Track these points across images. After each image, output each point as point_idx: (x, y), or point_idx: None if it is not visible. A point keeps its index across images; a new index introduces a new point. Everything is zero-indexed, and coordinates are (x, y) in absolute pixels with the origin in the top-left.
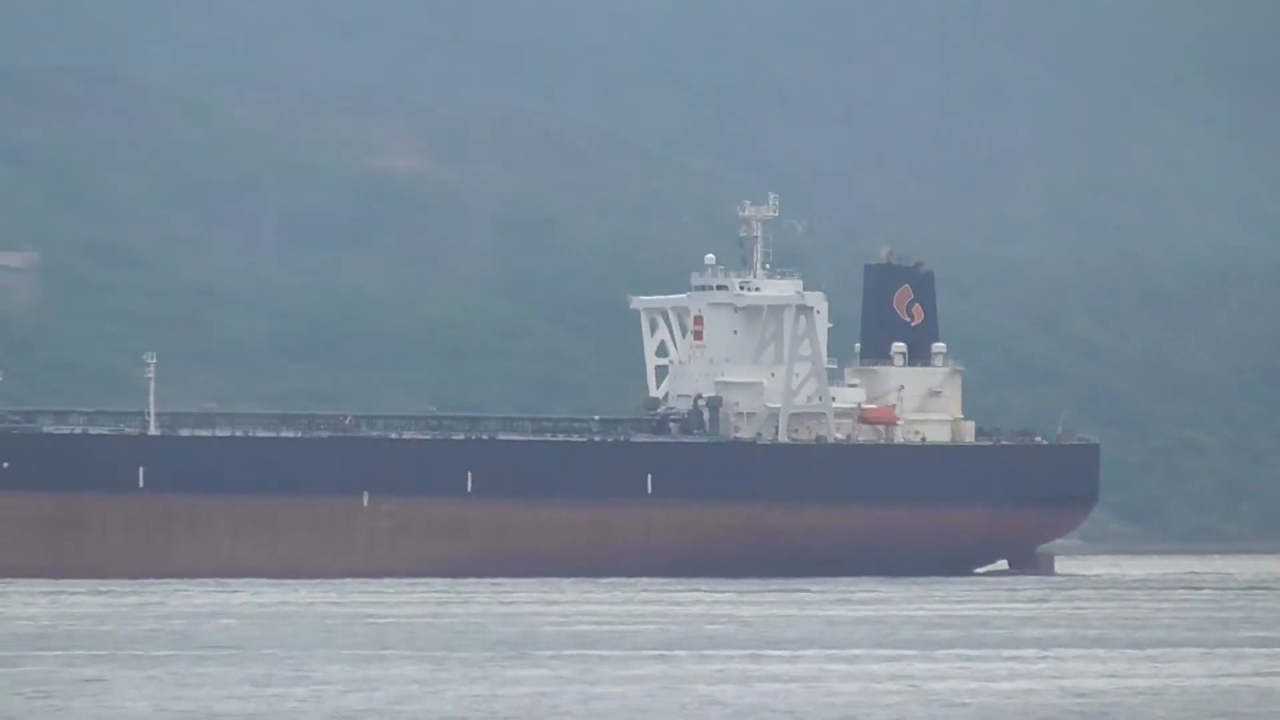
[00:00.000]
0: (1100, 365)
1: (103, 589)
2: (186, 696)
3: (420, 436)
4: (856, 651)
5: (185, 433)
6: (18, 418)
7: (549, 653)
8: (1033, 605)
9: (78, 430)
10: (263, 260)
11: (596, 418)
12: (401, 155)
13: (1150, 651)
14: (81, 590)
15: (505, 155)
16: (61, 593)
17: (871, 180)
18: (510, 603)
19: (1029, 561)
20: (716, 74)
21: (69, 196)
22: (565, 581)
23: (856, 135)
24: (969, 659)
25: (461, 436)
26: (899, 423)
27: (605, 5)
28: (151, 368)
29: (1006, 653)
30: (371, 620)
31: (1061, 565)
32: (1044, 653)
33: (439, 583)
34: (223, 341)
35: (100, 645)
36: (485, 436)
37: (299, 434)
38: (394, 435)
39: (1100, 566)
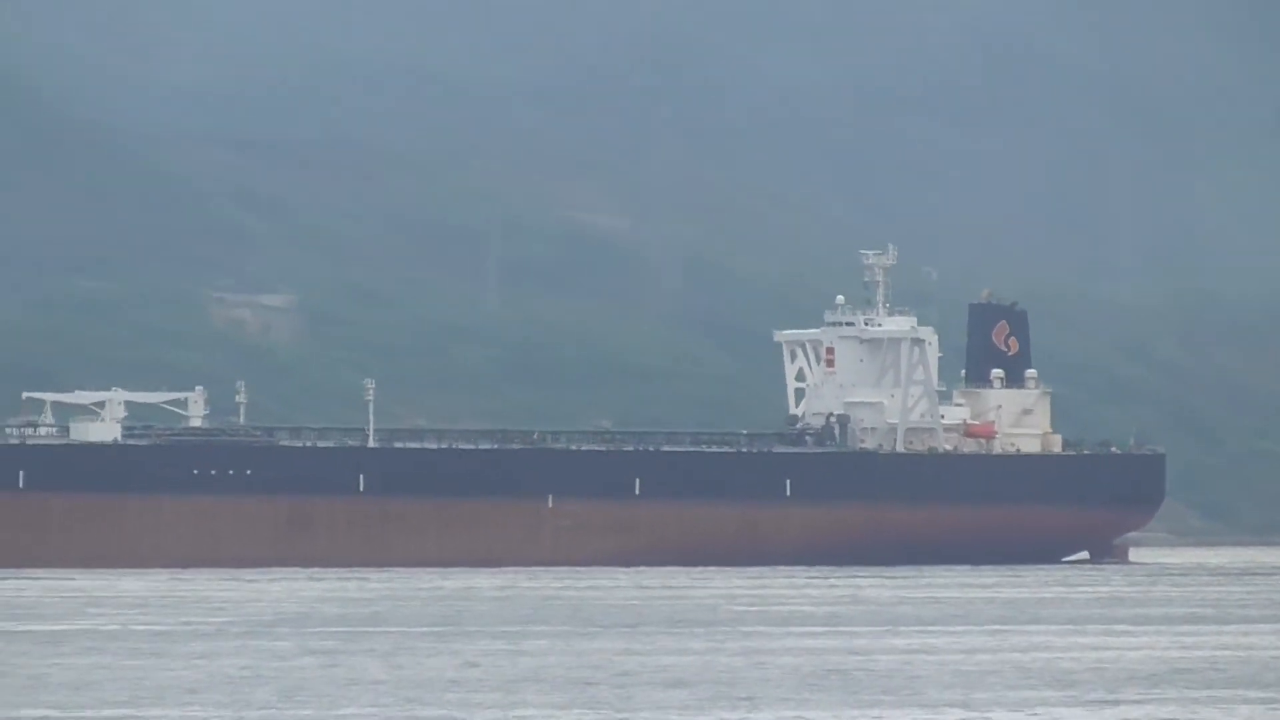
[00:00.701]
0: (1183, 386)
1: (345, 576)
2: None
3: (596, 448)
4: (1025, 624)
5: (399, 445)
6: (259, 433)
7: (728, 627)
8: (1151, 588)
9: (308, 444)
10: (486, 298)
11: (744, 432)
12: (602, 212)
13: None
14: (332, 577)
15: (684, 211)
16: (326, 579)
17: (983, 230)
18: (686, 586)
19: (1107, 552)
20: (854, 138)
21: (323, 246)
22: (714, 569)
23: (972, 190)
24: (1130, 630)
25: (631, 448)
26: (997, 436)
27: (761, 88)
28: (371, 391)
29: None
30: (592, 601)
31: (1135, 554)
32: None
33: (616, 571)
34: (451, 366)
35: (407, 623)
36: (651, 448)
37: (495, 446)
38: (574, 447)
39: (1175, 556)
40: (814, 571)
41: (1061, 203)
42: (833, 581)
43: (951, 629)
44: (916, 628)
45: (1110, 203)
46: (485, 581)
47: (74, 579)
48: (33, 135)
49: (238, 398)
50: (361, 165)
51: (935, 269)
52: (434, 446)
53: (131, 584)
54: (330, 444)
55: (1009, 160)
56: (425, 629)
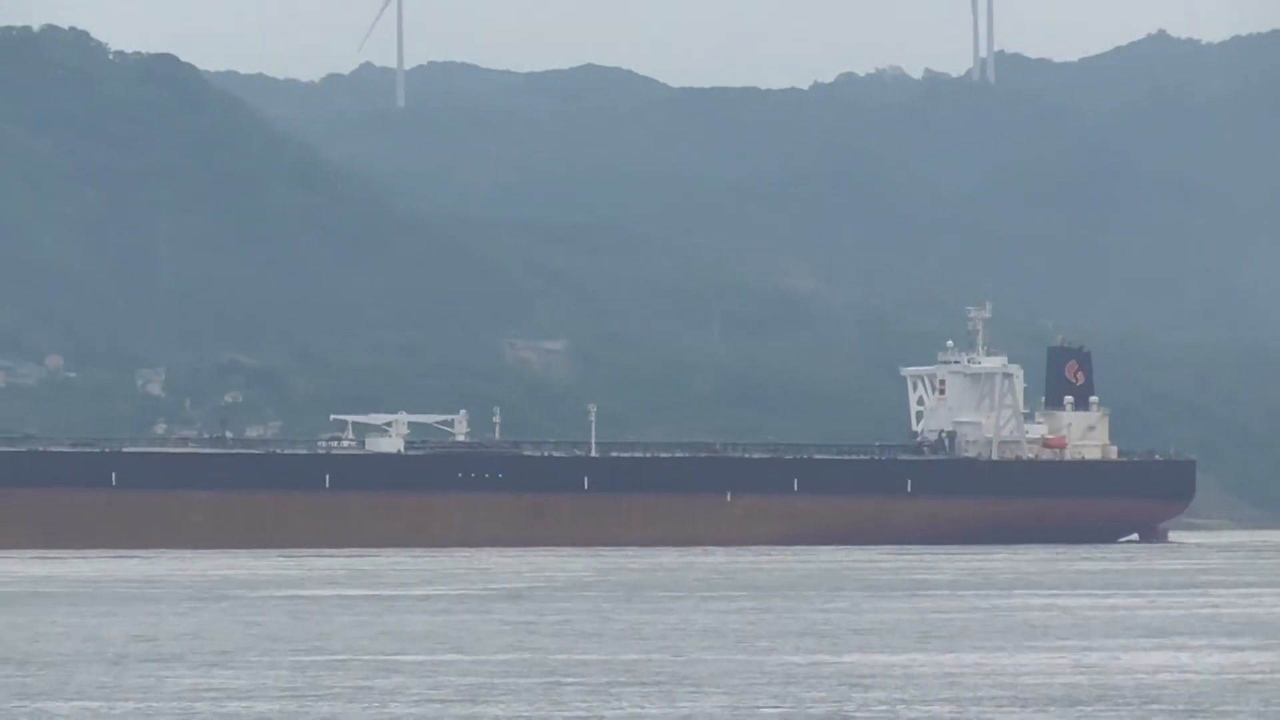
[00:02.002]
0: (1239, 406)
1: (579, 555)
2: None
3: (763, 455)
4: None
5: (614, 454)
6: (507, 444)
7: (879, 592)
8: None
9: (545, 453)
10: (711, 343)
11: (877, 443)
12: (800, 278)
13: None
14: (574, 555)
15: (860, 278)
16: (578, 556)
17: (1073, 284)
18: (846, 560)
19: (1152, 534)
20: (982, 223)
21: (589, 304)
22: (855, 548)
23: (1065, 254)
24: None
25: (790, 456)
26: (1067, 447)
27: (918, 184)
28: (593, 413)
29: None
30: (798, 571)
31: (1174, 536)
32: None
33: (785, 549)
34: (685, 394)
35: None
36: (805, 456)
37: (687, 455)
38: (747, 455)
39: (1213, 539)
40: (933, 550)
41: (1141, 272)
42: (955, 557)
43: (1069, 591)
44: (1043, 591)
45: (1181, 275)
46: (699, 560)
47: (373, 558)
48: (373, 222)
49: (494, 418)
50: (619, 243)
51: (1051, 320)
52: (640, 455)
53: (415, 561)
54: (562, 454)
55: (1099, 242)
56: (684, 592)
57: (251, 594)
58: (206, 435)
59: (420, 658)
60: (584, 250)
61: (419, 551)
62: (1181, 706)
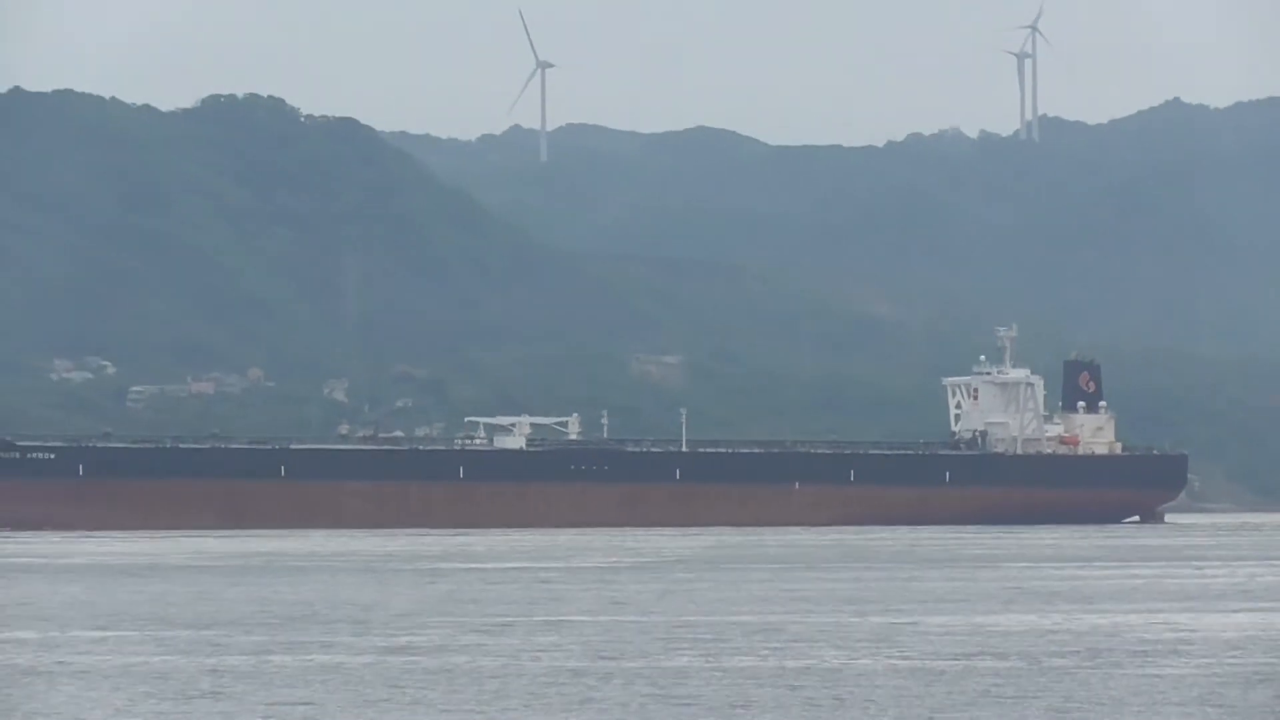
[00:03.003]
0: (1245, 410)
1: (671, 535)
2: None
3: (825, 451)
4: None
5: (701, 450)
6: (611, 442)
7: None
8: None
9: (643, 449)
10: (802, 358)
11: (921, 441)
12: (874, 302)
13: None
14: (664, 536)
15: (926, 301)
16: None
17: (1101, 308)
18: (894, 538)
19: (1150, 516)
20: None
21: (702, 324)
22: (901, 528)
23: (1095, 283)
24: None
25: (847, 451)
26: (1080, 444)
27: (962, 221)
28: (684, 416)
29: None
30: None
31: (1170, 518)
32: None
33: (844, 528)
34: (780, 400)
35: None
36: (860, 451)
37: (761, 450)
38: (811, 450)
39: (1201, 519)
40: (969, 530)
41: (1160, 296)
42: (988, 536)
43: (1097, 562)
44: (1076, 563)
45: (1194, 299)
46: (771, 539)
47: (505, 536)
48: (520, 256)
49: (603, 420)
50: (725, 274)
51: (1077, 348)
52: (722, 451)
53: (535, 540)
54: (658, 450)
55: (1124, 273)
56: (772, 565)
57: (428, 566)
58: (383, 435)
59: (637, 618)
60: (696, 280)
61: (538, 531)
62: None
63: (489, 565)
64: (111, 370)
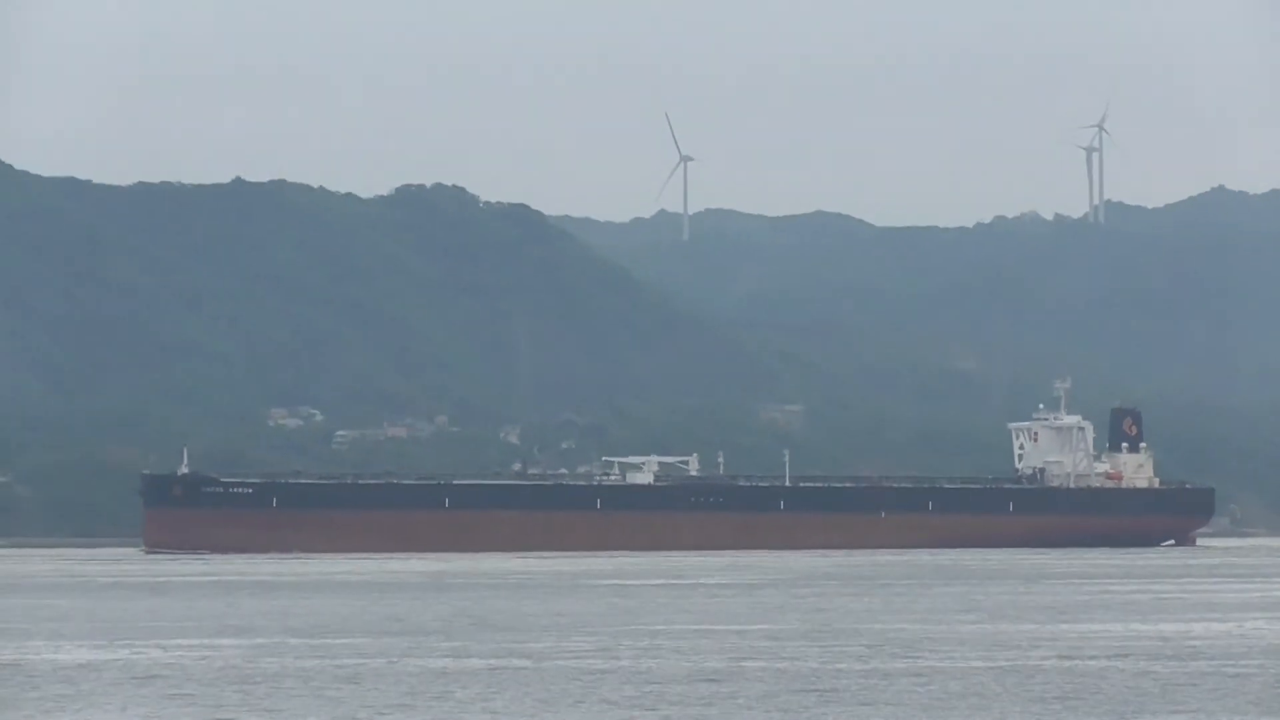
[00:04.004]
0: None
1: (794, 555)
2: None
3: (907, 485)
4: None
5: (802, 484)
6: (726, 478)
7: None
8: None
9: (751, 484)
10: (903, 406)
11: (990, 476)
12: (961, 358)
13: None
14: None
15: (1004, 357)
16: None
17: (1156, 362)
18: (966, 560)
19: (1184, 540)
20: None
21: (820, 377)
22: (969, 549)
23: (1152, 341)
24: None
25: (926, 485)
26: (1123, 479)
27: (1051, 286)
28: (787, 456)
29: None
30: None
31: (1202, 542)
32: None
33: (929, 551)
34: (885, 443)
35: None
36: (937, 485)
37: (853, 484)
38: (894, 485)
39: (1234, 544)
40: (1032, 552)
41: (1207, 352)
42: (1049, 557)
43: (1146, 580)
44: (1143, 579)
45: (1236, 354)
46: (859, 559)
47: (636, 559)
48: (666, 320)
49: (719, 459)
50: (840, 335)
51: (1130, 396)
52: (820, 485)
53: (680, 560)
54: (765, 484)
55: (1177, 332)
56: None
57: (586, 584)
58: (550, 473)
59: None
60: (814, 341)
61: (664, 554)
62: None
63: (709, 581)
64: (319, 418)
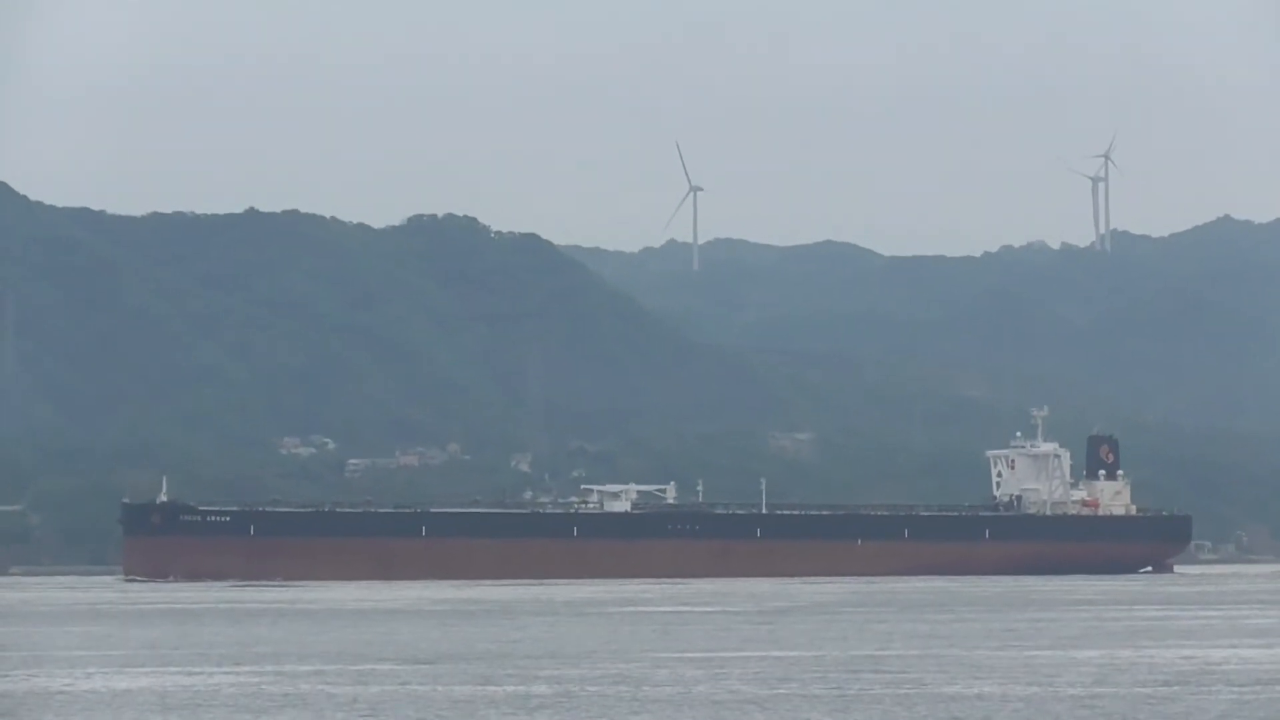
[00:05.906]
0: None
1: (777, 582)
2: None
3: (884, 513)
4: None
5: (781, 512)
6: (703, 505)
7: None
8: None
9: (728, 511)
10: (914, 435)
11: (966, 504)
12: (973, 388)
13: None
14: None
15: (1010, 382)
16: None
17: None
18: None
19: (1161, 567)
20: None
21: (829, 405)
22: (952, 576)
23: (1158, 367)
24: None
25: (903, 513)
26: (1100, 506)
27: (1056, 318)
28: (763, 484)
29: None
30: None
31: (1179, 568)
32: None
33: (902, 579)
34: (894, 469)
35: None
36: (913, 513)
37: (830, 512)
38: (872, 512)
39: (1209, 570)
40: (1008, 580)
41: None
42: (1030, 583)
43: (1126, 605)
44: (1128, 605)
45: (1240, 380)
46: (844, 587)
47: (617, 588)
48: (676, 350)
49: (698, 487)
50: (849, 364)
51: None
52: (797, 513)
53: (660, 588)
54: (742, 511)
55: (1186, 361)
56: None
57: (591, 611)
58: (561, 500)
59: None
60: (823, 369)
61: (645, 582)
62: None
63: (695, 608)
64: (332, 446)
